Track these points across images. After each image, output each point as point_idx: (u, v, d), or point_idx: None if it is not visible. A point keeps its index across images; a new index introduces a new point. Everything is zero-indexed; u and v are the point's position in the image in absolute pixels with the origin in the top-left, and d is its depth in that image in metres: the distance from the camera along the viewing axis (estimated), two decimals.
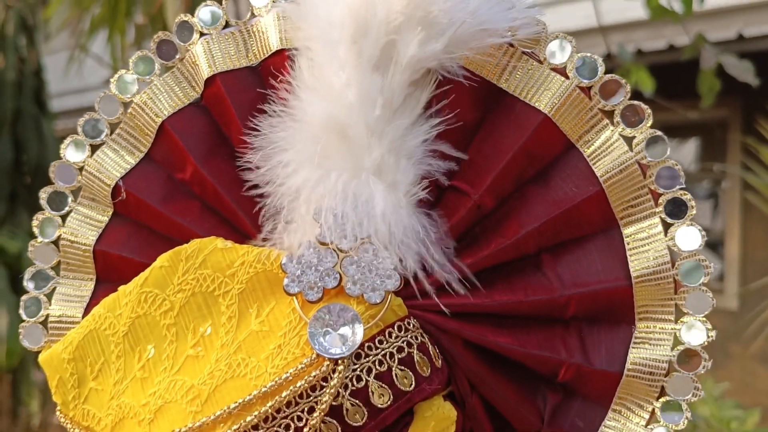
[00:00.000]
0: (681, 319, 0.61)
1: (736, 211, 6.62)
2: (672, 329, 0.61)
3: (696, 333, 0.60)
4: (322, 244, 0.57)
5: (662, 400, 0.62)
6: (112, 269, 0.66)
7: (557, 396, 0.63)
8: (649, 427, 0.62)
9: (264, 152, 0.60)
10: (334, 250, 0.57)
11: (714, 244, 7.16)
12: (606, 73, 0.62)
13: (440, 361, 0.60)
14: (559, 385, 0.63)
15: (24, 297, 0.69)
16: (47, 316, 0.69)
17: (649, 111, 0.60)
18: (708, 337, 0.60)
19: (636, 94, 3.57)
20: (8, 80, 4.38)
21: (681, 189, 0.60)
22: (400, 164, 0.58)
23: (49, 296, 0.69)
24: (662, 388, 0.62)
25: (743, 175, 4.75)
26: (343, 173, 0.57)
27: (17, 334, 3.24)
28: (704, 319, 0.60)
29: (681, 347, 0.61)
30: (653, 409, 0.62)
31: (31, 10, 4.58)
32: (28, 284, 0.69)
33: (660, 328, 0.62)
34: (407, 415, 0.58)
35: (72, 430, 0.63)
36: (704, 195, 7.51)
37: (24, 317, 0.69)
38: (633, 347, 0.62)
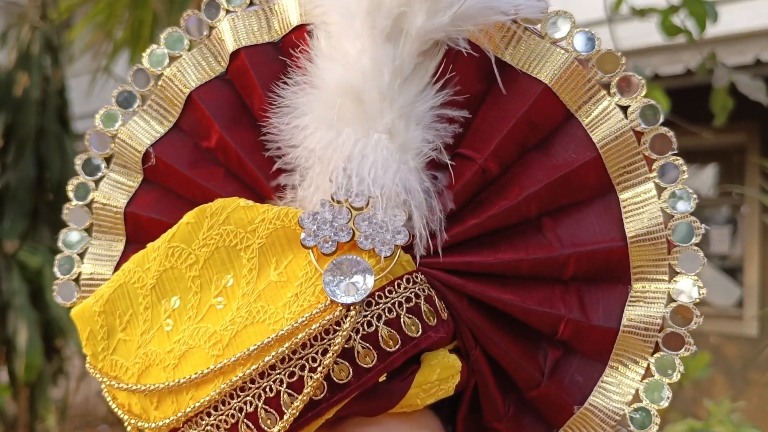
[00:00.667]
0: (674, 279, 0.65)
1: (755, 236, 6.61)
2: (666, 288, 0.65)
3: (687, 288, 0.64)
4: (337, 202, 0.62)
5: (656, 355, 0.65)
6: (140, 230, 0.71)
7: (557, 352, 0.67)
8: (644, 381, 0.66)
9: (284, 117, 0.64)
10: (348, 208, 0.62)
11: (733, 270, 7.15)
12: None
13: (446, 314, 0.64)
14: (558, 342, 0.67)
15: (58, 256, 0.74)
16: (80, 273, 0.74)
17: (643, 81, 0.64)
18: (699, 294, 0.64)
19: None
20: (32, 99, 4.49)
21: (673, 155, 0.64)
22: (410, 128, 0.63)
23: (82, 256, 0.73)
24: (656, 343, 0.65)
25: (762, 199, 4.75)
26: (356, 135, 0.62)
27: (36, 348, 3.33)
28: (696, 277, 0.64)
29: (674, 305, 0.65)
30: (648, 365, 0.66)
31: (56, 31, 4.70)
32: (62, 244, 0.74)
33: (654, 288, 0.66)
34: (415, 363, 0.62)
35: (101, 380, 0.67)
36: (723, 220, 7.51)
37: (58, 275, 0.74)
38: (629, 305, 0.66)
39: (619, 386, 0.66)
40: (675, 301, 0.65)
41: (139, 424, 0.65)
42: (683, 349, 0.64)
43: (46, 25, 4.64)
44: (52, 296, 3.05)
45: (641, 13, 3.38)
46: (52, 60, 4.63)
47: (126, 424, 0.69)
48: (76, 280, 0.74)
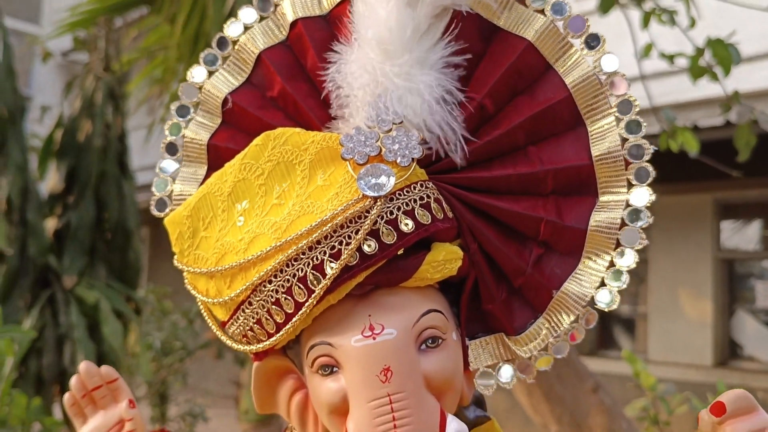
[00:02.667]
0: (630, 190, 0.85)
1: None
2: (624, 198, 0.85)
3: (640, 195, 0.84)
4: (369, 127, 0.83)
5: (618, 249, 0.85)
6: (219, 158, 0.93)
7: (540, 250, 0.87)
8: (608, 270, 0.85)
9: (331, 67, 0.87)
10: (377, 131, 0.83)
11: None
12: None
13: (451, 215, 0.84)
14: (541, 242, 0.87)
15: (155, 179, 0.96)
16: (171, 191, 0.96)
17: (605, 37, 0.85)
18: (649, 197, 0.83)
19: (683, 155, 3.78)
20: (95, 146, 4.82)
21: (629, 95, 0.85)
22: (424, 71, 0.84)
23: (174, 179, 0.96)
24: (617, 240, 0.85)
25: None
26: (384, 77, 0.84)
27: None
28: (648, 187, 0.84)
29: (630, 208, 0.84)
30: (611, 258, 0.85)
31: (117, 81, 5.05)
32: (159, 170, 0.96)
33: (616, 199, 0.85)
34: (426, 249, 0.83)
35: (186, 271, 0.88)
36: None
37: (155, 192, 0.96)
38: (595, 212, 0.86)
39: (589, 275, 0.85)
40: (630, 206, 0.84)
41: (213, 300, 0.86)
42: (637, 243, 0.83)
43: (109, 76, 5.00)
44: (107, 330, 3.30)
45: (670, 58, 3.59)
46: (114, 108, 4.97)
47: (203, 308, 0.90)
48: (169, 196, 0.96)
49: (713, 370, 7.41)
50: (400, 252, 0.81)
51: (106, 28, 5.06)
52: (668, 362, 7.22)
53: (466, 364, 0.88)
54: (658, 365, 7.43)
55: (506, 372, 0.89)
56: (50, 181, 4.89)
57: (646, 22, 3.73)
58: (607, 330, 8.16)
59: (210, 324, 0.91)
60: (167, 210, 0.96)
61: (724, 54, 3.15)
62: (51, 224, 4.78)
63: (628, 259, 0.84)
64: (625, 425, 3.92)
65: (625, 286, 0.83)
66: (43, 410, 3.95)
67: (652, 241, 8.13)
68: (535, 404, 3.89)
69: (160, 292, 6.31)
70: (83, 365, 1.07)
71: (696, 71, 3.28)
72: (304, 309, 0.79)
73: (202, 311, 0.92)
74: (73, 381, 1.06)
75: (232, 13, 4.47)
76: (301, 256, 0.79)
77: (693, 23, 3.35)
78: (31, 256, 4.56)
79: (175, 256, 0.90)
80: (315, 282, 0.78)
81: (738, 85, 7.81)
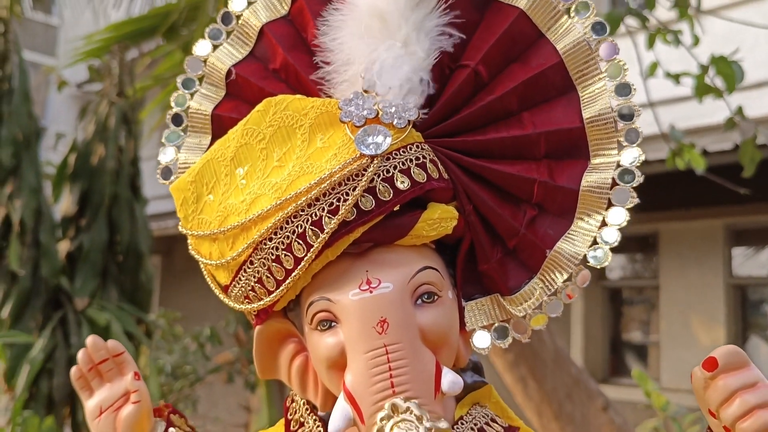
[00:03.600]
0: (621, 151, 0.87)
1: None
2: (615, 159, 0.87)
3: (630, 155, 0.86)
4: (366, 91, 0.86)
5: (609, 209, 0.87)
6: (223, 128, 0.96)
7: (533, 211, 0.89)
8: (601, 230, 0.87)
9: (329, 36, 0.90)
10: (374, 95, 0.86)
11: None
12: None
13: (446, 176, 0.86)
14: (535, 205, 0.89)
15: (161, 148, 0.99)
16: (176, 159, 0.99)
17: (594, 5, 0.88)
18: (639, 155, 0.85)
19: (693, 181, 3.80)
20: (108, 169, 4.87)
21: (618, 60, 0.87)
22: (420, 39, 0.87)
23: (179, 149, 0.99)
24: (609, 200, 0.87)
25: None
26: (380, 44, 0.87)
27: None
28: (638, 147, 0.86)
29: (620, 168, 0.86)
30: (603, 217, 0.87)
31: (130, 106, 5.13)
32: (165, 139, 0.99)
33: (607, 161, 0.88)
34: (422, 208, 0.85)
35: (191, 236, 0.91)
36: None
37: (162, 161, 0.99)
38: (587, 174, 0.88)
39: (582, 235, 0.87)
40: (621, 166, 0.86)
41: (216, 261, 0.88)
42: (628, 202, 0.85)
43: (122, 101, 5.08)
44: None
45: (676, 78, 3.62)
46: (127, 132, 5.04)
47: (206, 274, 0.93)
48: (173, 165, 0.99)
49: None
50: (396, 209, 0.83)
51: (120, 55, 5.15)
52: (681, 389, 7.14)
53: (463, 324, 0.90)
54: (671, 392, 7.35)
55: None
56: (63, 204, 4.94)
57: (651, 42, 3.78)
58: (619, 357, 8.11)
59: (213, 288, 0.93)
60: (172, 178, 0.99)
61: (728, 71, 3.18)
62: (63, 246, 4.82)
63: (620, 218, 0.86)
64: None
65: (616, 244, 0.85)
66: (56, 430, 3.96)
67: (663, 267, 8.10)
68: (545, 424, 3.88)
69: (170, 316, 6.33)
70: (90, 339, 1.09)
71: (701, 89, 3.31)
72: (303, 263, 0.81)
73: (206, 277, 0.94)
74: (81, 355, 1.09)
75: None
76: (301, 213, 0.82)
77: (697, 41, 3.39)
78: (44, 277, 4.60)
79: (180, 223, 0.92)
80: (314, 237, 0.81)
81: (748, 112, 7.83)
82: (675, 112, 6.97)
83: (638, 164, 0.86)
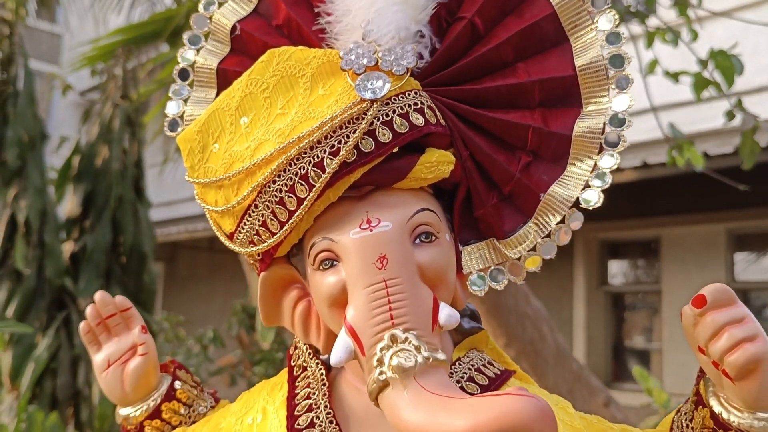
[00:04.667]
0: (612, 98, 0.90)
1: None
2: (607, 105, 0.90)
3: (621, 101, 0.89)
4: (366, 41, 0.89)
5: (601, 154, 0.90)
6: (228, 82, 0.99)
7: (528, 158, 0.92)
8: (593, 173, 0.90)
9: None
10: (373, 44, 0.89)
11: None
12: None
13: (443, 122, 0.90)
14: (529, 152, 0.92)
15: (169, 101, 1.02)
16: (183, 112, 1.02)
17: None
18: (630, 102, 0.88)
19: (692, 178, 3.83)
20: (112, 170, 4.92)
21: (608, 7, 0.91)
22: None
23: (186, 102, 1.02)
24: (600, 145, 0.90)
25: None
26: None
27: (108, 399, 3.61)
28: (629, 93, 0.89)
29: (611, 113, 0.90)
30: (595, 162, 0.90)
31: (134, 109, 5.17)
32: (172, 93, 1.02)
33: (598, 108, 0.91)
34: (420, 151, 0.88)
35: (197, 184, 0.94)
36: None
37: (168, 113, 1.02)
38: (579, 120, 0.91)
39: (574, 179, 0.91)
40: (612, 112, 0.90)
41: (221, 207, 0.91)
42: (619, 145, 0.88)
43: (126, 104, 5.13)
44: None
45: (675, 76, 3.65)
46: (131, 134, 5.08)
47: (213, 224, 0.96)
48: (181, 117, 1.02)
49: None
50: (396, 151, 0.86)
51: (124, 58, 5.20)
52: (684, 394, 7.12)
53: (460, 267, 0.93)
54: (674, 397, 7.36)
55: (496, 277, 0.94)
56: (68, 205, 4.98)
57: (650, 42, 3.81)
58: (622, 362, 8.11)
59: (218, 235, 0.96)
60: (179, 130, 1.02)
61: (726, 64, 3.21)
62: (68, 247, 4.86)
63: (611, 161, 0.89)
64: None
65: (608, 185, 0.88)
66: (60, 427, 3.98)
67: (665, 272, 8.12)
68: None
69: (174, 319, 6.36)
70: (98, 294, 1.13)
71: (699, 84, 3.34)
72: (305, 203, 0.84)
73: (212, 226, 0.97)
74: (89, 310, 1.12)
75: None
76: (303, 156, 0.85)
77: (695, 36, 3.42)
78: (48, 277, 4.63)
79: (186, 173, 0.96)
80: (315, 177, 0.84)
81: None
82: (677, 117, 7.00)
83: (630, 108, 0.89)
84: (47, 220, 4.70)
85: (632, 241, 8.65)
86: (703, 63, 3.35)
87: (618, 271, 8.81)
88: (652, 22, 3.95)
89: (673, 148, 3.82)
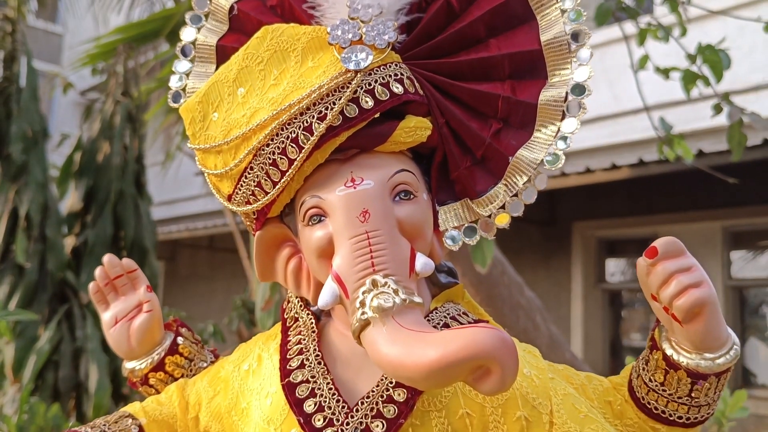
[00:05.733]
0: (574, 70, 1.00)
1: None
2: (569, 77, 1.00)
3: (582, 72, 0.99)
4: (352, 18, 0.99)
5: (563, 120, 1.00)
6: (226, 57, 1.09)
7: (498, 125, 1.02)
8: (556, 137, 1.00)
9: None
10: (358, 21, 0.99)
11: None
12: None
13: (421, 92, 1.00)
14: (500, 119, 1.02)
15: (172, 75, 1.12)
16: (186, 86, 1.12)
17: None
18: (590, 73, 0.98)
19: (688, 176, 3.93)
20: (113, 165, 5.02)
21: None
22: None
23: (188, 76, 1.12)
24: (563, 112, 1.00)
25: None
26: None
27: (105, 390, 3.75)
28: (588, 65, 0.99)
29: (573, 83, 1.00)
30: (558, 127, 1.00)
31: (135, 106, 5.28)
32: (174, 69, 1.13)
33: (562, 79, 1.01)
34: (400, 118, 0.98)
35: (198, 150, 1.04)
36: None
37: (173, 86, 1.12)
38: (544, 90, 1.01)
39: (539, 143, 1.01)
40: (574, 82, 1.00)
41: (220, 171, 1.01)
42: (580, 111, 0.98)
43: (127, 100, 5.23)
44: None
45: (666, 72, 3.75)
46: (132, 131, 5.19)
47: (212, 187, 1.06)
48: (183, 89, 1.13)
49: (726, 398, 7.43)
50: (377, 117, 0.96)
51: (125, 55, 5.30)
52: None
53: (436, 225, 1.03)
54: None
55: (468, 233, 1.04)
56: (69, 200, 5.08)
57: (642, 39, 3.91)
58: (619, 359, 8.20)
59: (218, 198, 1.06)
60: (181, 101, 1.12)
61: (715, 59, 3.31)
62: (69, 241, 4.96)
63: (572, 126, 0.99)
64: None
65: (569, 147, 0.98)
66: (62, 418, 4.07)
67: None
68: None
69: (174, 315, 6.46)
70: (106, 257, 1.23)
71: (688, 78, 3.44)
72: (296, 163, 0.95)
73: (212, 189, 1.07)
74: (98, 271, 1.22)
75: None
76: (294, 121, 0.95)
77: (684, 32, 3.52)
78: (50, 271, 4.73)
79: (188, 141, 1.06)
80: (305, 140, 0.94)
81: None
82: (672, 115, 7.10)
83: (590, 79, 0.99)
84: (49, 214, 4.80)
85: (629, 239, 8.75)
86: (692, 58, 3.45)
87: (615, 268, 8.90)
88: (645, 19, 4.06)
89: (664, 142, 3.92)
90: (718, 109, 3.33)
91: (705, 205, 7.68)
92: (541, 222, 8.76)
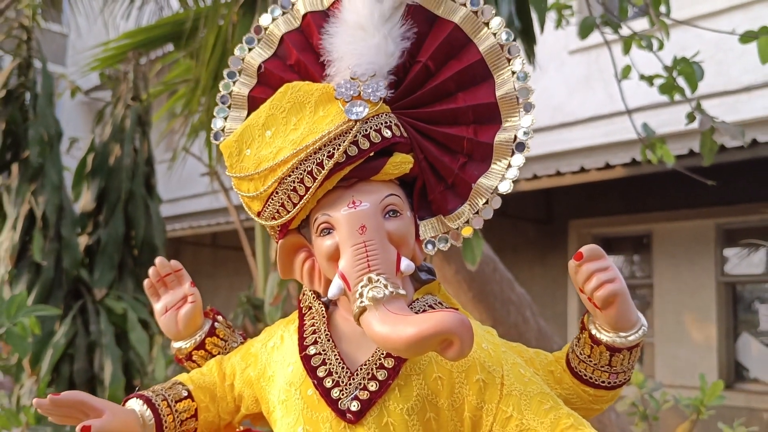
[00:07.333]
0: (521, 117, 1.35)
1: None
2: (517, 122, 1.35)
3: (526, 120, 1.34)
4: (353, 78, 1.34)
5: (513, 156, 1.35)
6: (255, 105, 1.43)
7: (464, 159, 1.37)
8: (508, 169, 1.34)
9: (326, 40, 1.38)
10: (358, 81, 1.34)
11: None
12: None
13: (405, 134, 1.34)
14: (465, 155, 1.37)
15: (214, 118, 1.47)
16: (224, 127, 1.47)
17: (498, 20, 1.36)
18: (533, 121, 1.33)
19: (685, 183, 4.26)
20: (124, 166, 5.36)
21: (519, 55, 1.36)
22: (389, 42, 1.35)
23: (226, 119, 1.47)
24: (512, 150, 1.35)
25: None
26: (361, 47, 1.35)
27: (119, 382, 4.14)
28: (531, 115, 1.34)
29: (521, 128, 1.34)
30: (509, 162, 1.35)
31: (144, 109, 5.62)
32: (216, 112, 1.47)
33: (512, 124, 1.36)
34: (389, 155, 1.33)
35: (235, 177, 1.38)
36: None
37: (213, 127, 1.47)
38: (499, 133, 1.36)
39: (495, 173, 1.35)
40: (521, 127, 1.34)
41: (252, 194, 1.36)
42: (525, 150, 1.33)
43: (137, 105, 5.58)
44: (134, 337, 3.84)
45: (650, 80, 4.09)
46: (141, 134, 5.54)
47: (245, 205, 1.40)
48: (222, 130, 1.47)
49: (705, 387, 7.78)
50: (372, 155, 1.31)
51: (135, 61, 5.64)
52: (675, 386, 7.58)
53: (417, 235, 1.38)
54: (667, 388, 7.80)
55: (442, 241, 1.39)
56: (83, 201, 5.42)
57: (627, 48, 4.25)
58: None
59: (250, 214, 1.41)
60: (222, 139, 1.47)
61: (689, 71, 3.65)
62: (83, 240, 5.30)
63: (519, 161, 1.34)
64: (614, 416, 4.34)
65: (516, 176, 1.33)
66: None
67: (656, 267, 8.55)
68: None
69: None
70: (158, 260, 1.58)
71: (665, 87, 3.79)
72: (311, 190, 1.29)
73: (245, 207, 1.42)
74: (151, 271, 1.56)
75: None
76: (309, 158, 1.29)
77: (661, 46, 3.86)
78: (65, 269, 5.07)
79: (226, 170, 1.40)
80: (317, 172, 1.28)
81: (738, 115, 8.31)
82: (665, 116, 7.44)
83: (532, 126, 1.34)
84: (64, 215, 5.14)
85: (624, 237, 9.09)
86: (669, 69, 3.80)
87: None
88: (631, 25, 4.39)
89: (647, 146, 4.26)
90: (691, 118, 3.67)
91: (698, 203, 8.01)
92: (537, 220, 9.11)
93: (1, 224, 5.08)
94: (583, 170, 7.48)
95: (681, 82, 3.82)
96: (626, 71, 4.19)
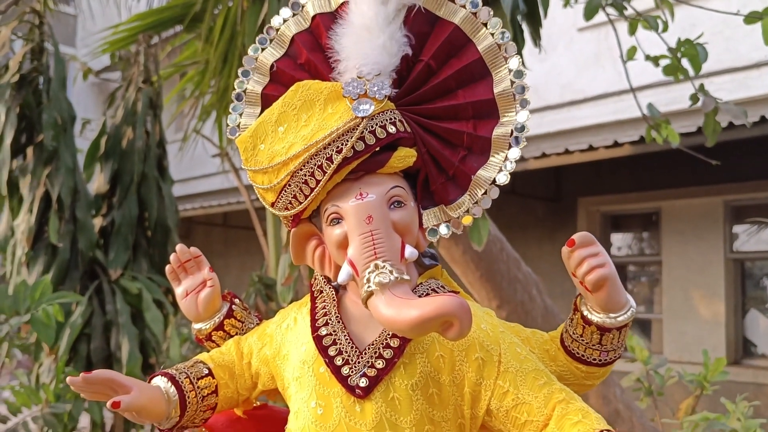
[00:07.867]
0: (517, 113, 1.45)
1: None
2: (514, 118, 1.45)
3: (523, 115, 1.44)
4: (359, 77, 1.44)
5: (510, 149, 1.45)
6: (268, 103, 1.52)
7: (464, 152, 1.47)
8: (505, 161, 1.44)
9: (335, 41, 1.48)
10: (364, 80, 1.43)
11: None
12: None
13: (409, 129, 1.44)
14: (465, 148, 1.47)
15: (230, 115, 1.57)
16: (240, 122, 1.57)
17: (496, 21, 1.45)
18: (528, 116, 1.43)
19: (692, 161, 4.35)
20: (136, 149, 5.47)
21: (516, 54, 1.45)
22: (392, 43, 1.45)
23: (241, 115, 1.57)
24: (509, 143, 1.45)
25: None
26: (367, 47, 1.45)
27: (136, 360, 4.27)
28: (527, 110, 1.43)
29: (518, 124, 1.44)
30: (506, 154, 1.45)
31: (155, 92, 5.72)
32: (231, 110, 1.57)
33: (509, 119, 1.45)
34: (394, 149, 1.43)
35: (250, 170, 1.49)
36: None
37: (228, 123, 1.57)
38: (497, 128, 1.46)
39: (493, 165, 1.45)
40: (518, 122, 1.44)
41: (266, 186, 1.46)
42: (521, 143, 1.43)
43: (148, 88, 5.68)
44: (149, 316, 3.97)
45: (656, 60, 4.16)
46: (153, 116, 5.64)
47: (260, 196, 1.51)
48: (237, 126, 1.57)
49: (727, 368, 7.88)
50: (378, 150, 1.41)
51: (146, 43, 5.73)
52: (683, 361, 7.68)
53: (421, 223, 1.48)
54: (674, 365, 7.90)
55: (443, 229, 1.50)
56: (96, 183, 5.54)
57: (633, 29, 4.31)
58: None
59: (264, 204, 1.51)
60: (237, 134, 1.57)
61: (692, 52, 3.72)
62: (98, 222, 5.42)
63: (516, 154, 1.44)
64: (618, 392, 4.45)
65: (513, 168, 1.43)
66: None
67: (665, 244, 8.63)
68: None
69: None
70: (179, 246, 1.69)
71: (669, 69, 3.86)
72: (321, 183, 1.39)
73: (260, 198, 1.52)
74: (172, 257, 1.67)
75: (261, 29, 5.09)
76: (319, 153, 1.39)
77: (666, 28, 3.93)
78: (81, 250, 5.19)
79: (243, 162, 1.51)
80: (327, 166, 1.38)
81: (748, 91, 8.33)
82: (676, 93, 7.48)
83: (528, 121, 1.44)
84: (79, 197, 5.24)
85: (633, 214, 9.16)
86: (673, 51, 3.87)
87: (620, 242, 9.33)
88: (635, 4, 4.45)
89: (652, 127, 4.34)
90: (694, 99, 3.74)
91: (707, 180, 8.06)
92: (546, 198, 9.19)
93: (18, 207, 5.19)
94: (591, 148, 7.55)
95: (686, 63, 3.90)
96: (631, 53, 4.25)
